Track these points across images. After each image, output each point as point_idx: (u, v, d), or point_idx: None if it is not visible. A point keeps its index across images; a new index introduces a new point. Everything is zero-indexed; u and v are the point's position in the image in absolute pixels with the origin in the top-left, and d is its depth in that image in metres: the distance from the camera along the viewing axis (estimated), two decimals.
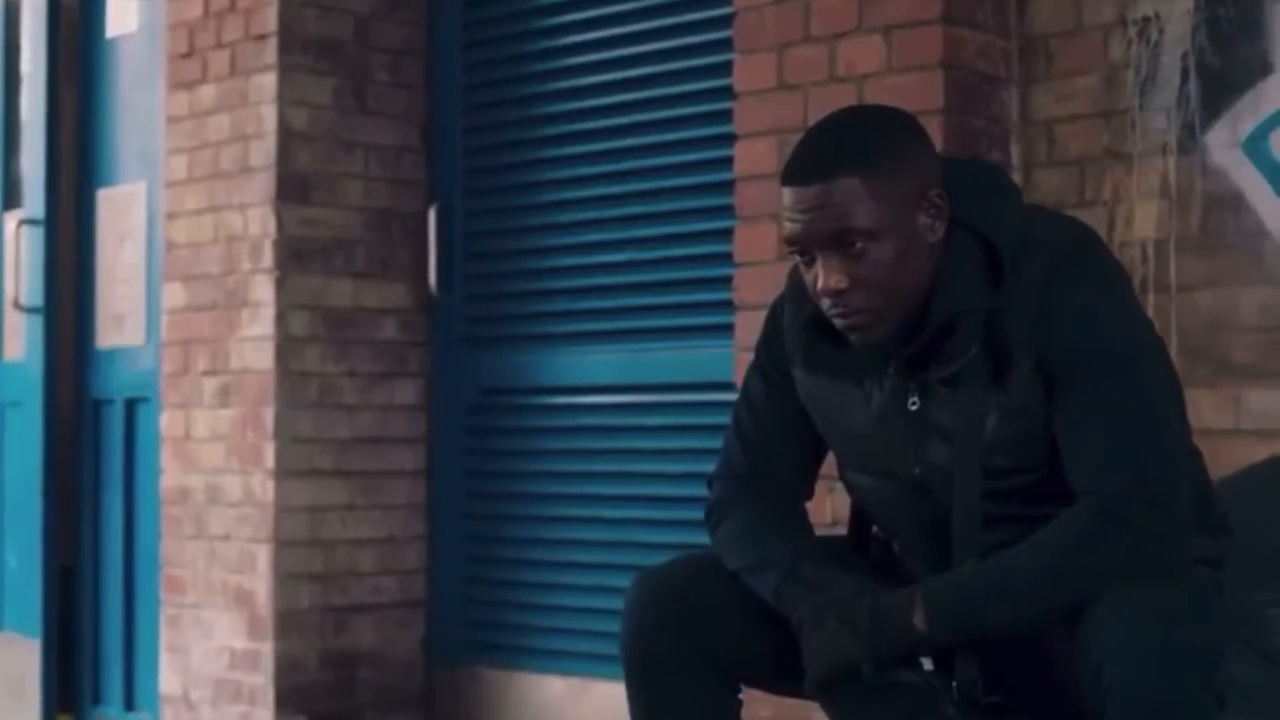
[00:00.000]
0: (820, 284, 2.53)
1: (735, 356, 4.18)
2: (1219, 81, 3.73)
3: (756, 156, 4.12)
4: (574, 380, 5.08)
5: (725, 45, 4.34)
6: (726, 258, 4.35)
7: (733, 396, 4.17)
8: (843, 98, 3.94)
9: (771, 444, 2.80)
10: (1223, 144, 3.72)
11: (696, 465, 4.60)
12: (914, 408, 2.61)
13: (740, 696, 2.77)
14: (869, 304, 2.52)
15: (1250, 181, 3.68)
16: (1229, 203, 3.71)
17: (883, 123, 2.60)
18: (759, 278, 4.11)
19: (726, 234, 4.36)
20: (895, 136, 2.56)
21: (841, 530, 2.93)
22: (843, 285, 2.51)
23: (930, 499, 2.61)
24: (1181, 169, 3.76)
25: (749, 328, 4.10)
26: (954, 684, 2.52)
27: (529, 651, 5.16)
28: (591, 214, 5.02)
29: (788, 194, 2.54)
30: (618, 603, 4.74)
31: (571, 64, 5.06)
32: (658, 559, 4.64)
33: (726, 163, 4.38)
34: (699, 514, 4.53)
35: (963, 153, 3.72)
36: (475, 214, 5.36)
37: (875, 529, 2.86)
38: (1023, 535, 2.49)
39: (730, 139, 4.30)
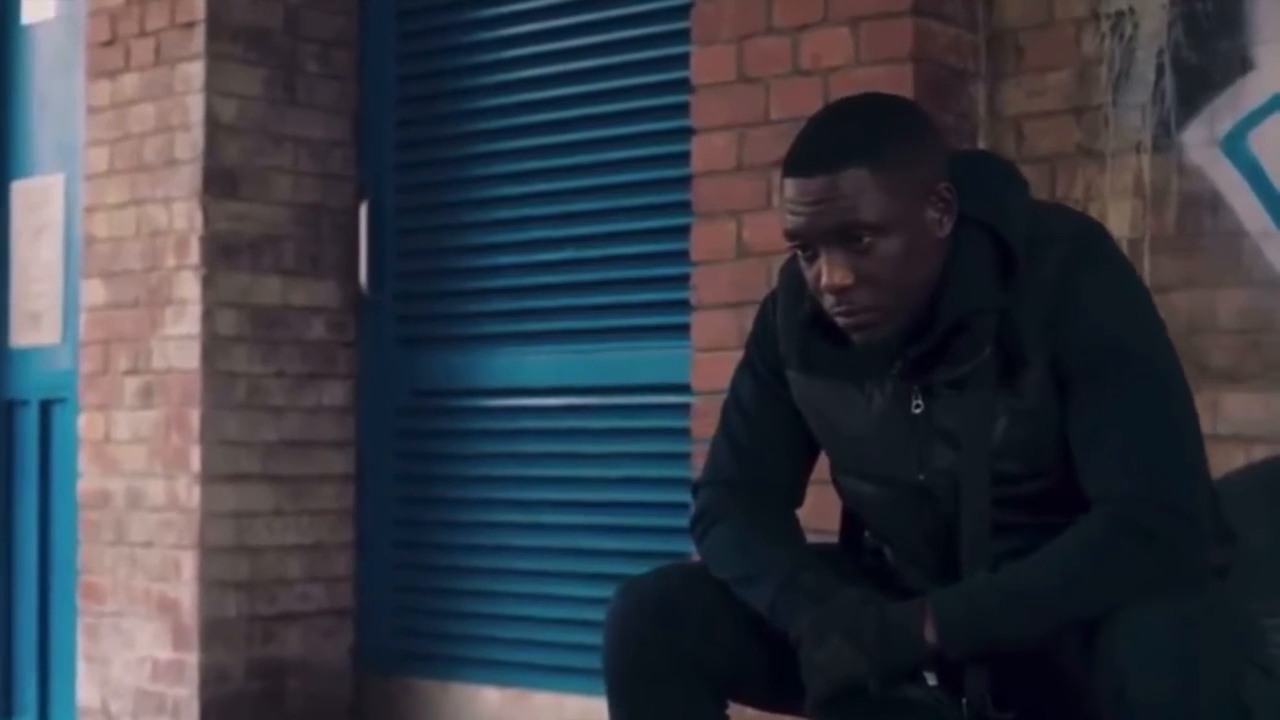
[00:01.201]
0: (824, 280, 2.40)
1: (692, 358, 4.05)
2: (1196, 78, 3.65)
3: (715, 152, 3.99)
4: (512, 382, 4.93)
5: (681, 37, 4.21)
6: (678, 256, 4.24)
7: (687, 399, 4.14)
8: (807, 92, 3.84)
9: (763, 448, 2.67)
10: (1200, 142, 3.63)
11: (643, 469, 4.55)
12: (918, 411, 2.49)
13: (727, 713, 2.63)
14: (875, 302, 2.40)
15: (1228, 181, 3.60)
16: (1206, 202, 3.62)
17: (891, 113, 2.48)
18: (717, 277, 3.99)
19: (678, 231, 4.24)
20: (904, 127, 2.44)
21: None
22: (848, 282, 2.39)
23: (934, 506, 2.49)
24: (1156, 167, 3.67)
25: (707, 329, 4.01)
26: (963, 700, 2.40)
27: (463, 661, 5.01)
28: (531, 210, 4.87)
29: (790, 185, 2.41)
30: (557, 611, 4.74)
31: (512, 56, 4.91)
32: (599, 566, 4.63)
33: (678, 158, 4.27)
34: (645, 519, 4.53)
35: None
36: (407, 210, 5.21)
37: (867, 537, 2.73)
38: (1031, 543, 2.38)
39: (682, 133, 4.19)
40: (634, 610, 2.60)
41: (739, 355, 3.87)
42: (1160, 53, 3.68)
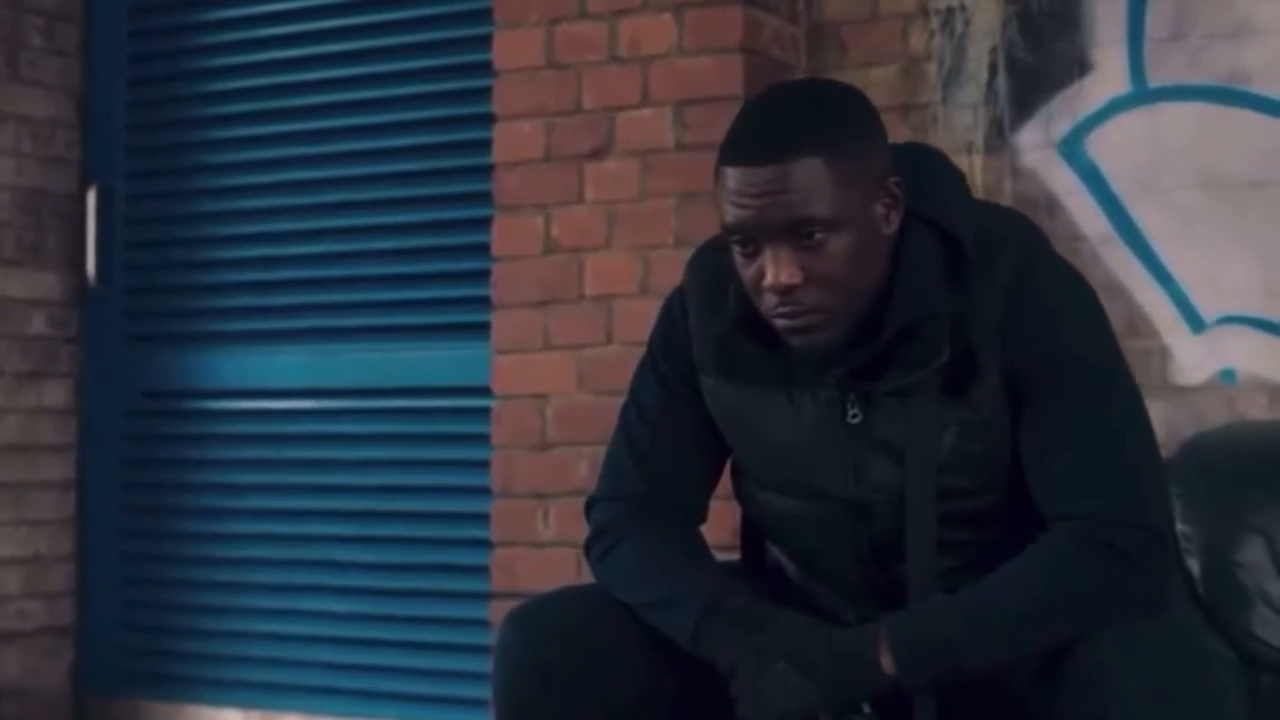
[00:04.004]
0: (769, 278, 2.21)
1: (492, 359, 3.85)
2: (1031, 78, 3.58)
3: (521, 141, 3.79)
4: (257, 383, 4.63)
5: (481, 17, 4.00)
6: (457, 251, 4.11)
7: (468, 402, 3.96)
8: (625, 80, 3.70)
9: (670, 460, 2.46)
10: (1035, 144, 3.57)
11: (396, 477, 4.37)
12: (855, 421, 2.31)
13: None
14: (821, 303, 2.22)
15: (1065, 184, 3.55)
16: (1041, 205, 3.55)
17: (841, 100, 2.30)
18: (522, 274, 3.79)
19: (457, 225, 4.12)
20: (856, 116, 2.27)
21: None
22: (795, 280, 2.20)
23: (870, 523, 2.32)
24: (989, 169, 3.59)
25: (509, 329, 3.81)
26: None
27: (200, 681, 4.69)
28: (283, 200, 4.57)
29: (734, 175, 2.21)
30: (302, 627, 4.49)
31: (270, 34, 4.59)
32: (351, 581, 4.37)
33: (468, 146, 4.10)
34: (404, 530, 4.28)
35: None
36: (140, 197, 4.85)
37: (771, 556, 2.55)
38: (971, 561, 2.25)
39: (477, 120, 4.00)
40: (531, 640, 2.35)
41: (545, 357, 3.75)
42: (993, 51, 3.61)
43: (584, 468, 3.67)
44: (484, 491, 3.90)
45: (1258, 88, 3.42)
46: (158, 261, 4.83)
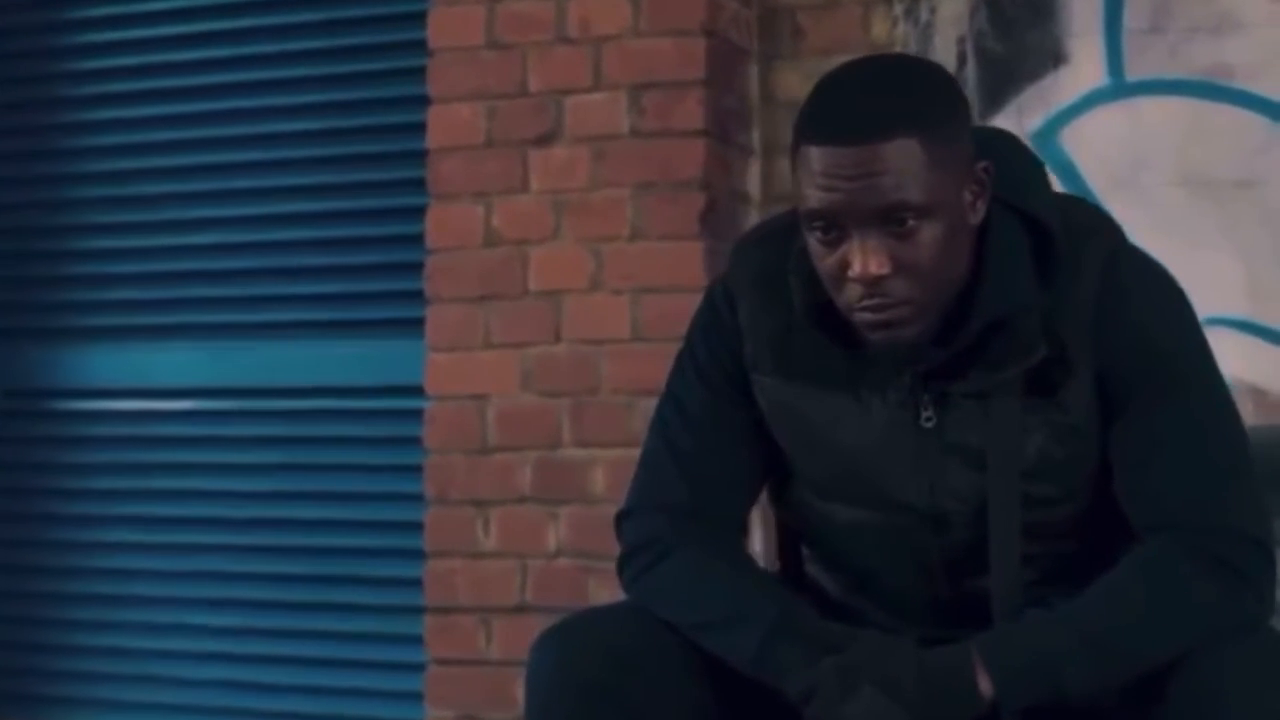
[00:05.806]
0: (856, 268, 2.03)
1: (426, 356, 3.68)
2: (1002, 69, 3.49)
3: (459, 125, 3.59)
4: (134, 382, 4.37)
5: None
6: (385, 241, 3.92)
7: (397, 403, 3.75)
8: (574, 62, 3.53)
9: (715, 465, 2.26)
10: None
11: (315, 482, 4.16)
12: (929, 425, 2.15)
13: None
14: (910, 295, 2.05)
15: None
16: None
17: (932, 77, 2.14)
18: (461, 267, 3.60)
19: (385, 215, 3.93)
20: (946, 94, 2.12)
21: None
22: (885, 270, 2.03)
23: (943, 535, 2.16)
24: None
25: (446, 324, 3.66)
26: None
27: (70, 701, 4.45)
28: (165, 187, 4.31)
29: (821, 155, 2.02)
30: (183, 642, 4.23)
31: (147, 9, 4.32)
32: (253, 594, 4.12)
33: (385, 132, 3.95)
34: (323, 539, 4.04)
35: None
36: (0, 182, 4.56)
37: (809, 571, 2.37)
38: (1051, 575, 2.13)
39: (393, 103, 3.87)
40: (570, 659, 2.14)
41: (485, 356, 3.56)
42: (961, 40, 3.50)
43: (528, 473, 3.49)
44: (415, 499, 3.68)
45: (1241, 82, 3.37)
46: (21, 251, 4.54)
